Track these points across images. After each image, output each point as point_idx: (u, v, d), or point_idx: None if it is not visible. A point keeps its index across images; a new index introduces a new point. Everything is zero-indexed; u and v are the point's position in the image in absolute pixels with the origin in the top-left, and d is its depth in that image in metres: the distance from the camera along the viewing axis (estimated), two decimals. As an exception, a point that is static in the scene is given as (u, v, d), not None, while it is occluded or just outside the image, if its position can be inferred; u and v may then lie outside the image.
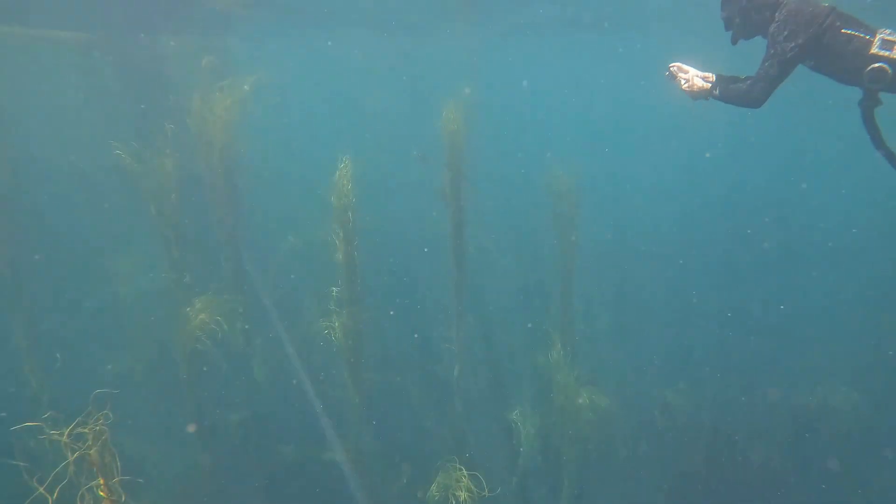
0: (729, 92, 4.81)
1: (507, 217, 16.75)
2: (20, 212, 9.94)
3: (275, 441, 10.84)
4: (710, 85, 4.91)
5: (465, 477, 7.84)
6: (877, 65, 4.43)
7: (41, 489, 3.98)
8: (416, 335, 12.98)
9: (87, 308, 12.63)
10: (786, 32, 4.57)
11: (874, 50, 4.47)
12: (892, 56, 4.39)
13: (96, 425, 4.21)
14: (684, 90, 5.04)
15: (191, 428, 9.74)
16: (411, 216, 15.58)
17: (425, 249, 13.70)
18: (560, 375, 10.69)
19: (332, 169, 10.17)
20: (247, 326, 10.87)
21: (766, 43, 4.80)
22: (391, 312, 12.60)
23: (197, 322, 9.66)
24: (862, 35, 4.52)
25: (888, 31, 4.50)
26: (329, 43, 20.87)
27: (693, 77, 4.99)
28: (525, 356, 12.81)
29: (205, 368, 10.08)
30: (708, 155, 27.21)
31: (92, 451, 4.20)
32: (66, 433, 4.08)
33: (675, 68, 5.08)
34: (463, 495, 7.58)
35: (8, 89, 13.49)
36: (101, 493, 4.33)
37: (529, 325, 13.34)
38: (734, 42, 5.11)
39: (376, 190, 14.15)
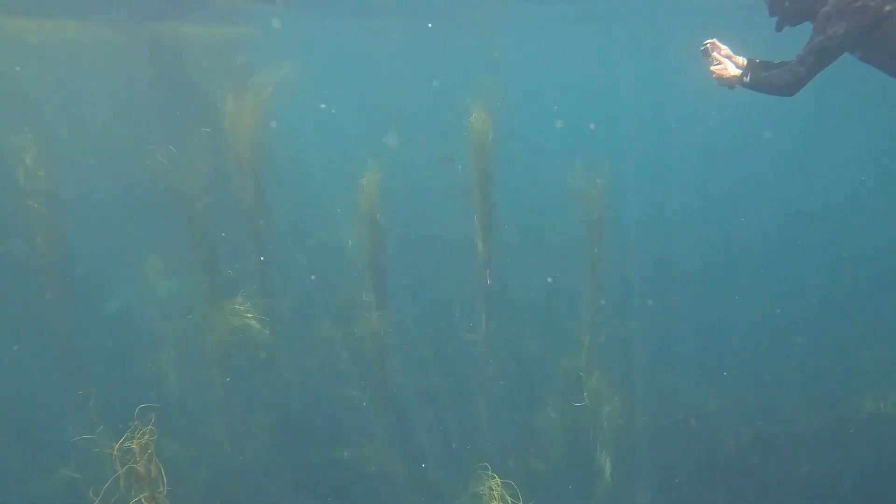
0: (761, 80, 4.47)
1: (533, 216, 16.65)
2: (56, 212, 9.96)
3: (304, 444, 10.83)
4: (740, 72, 4.60)
5: (498, 486, 7.74)
6: None
7: (97, 501, 3.99)
8: (442, 336, 12.93)
9: (119, 309, 12.71)
10: (839, 17, 4.17)
11: None
12: None
13: (143, 439, 4.21)
14: (713, 72, 4.71)
15: None
16: (437, 216, 15.55)
17: (451, 250, 13.68)
18: (589, 378, 10.59)
19: (358, 167, 10.13)
20: (276, 329, 10.86)
21: (797, 33, 4.61)
22: (417, 314, 12.56)
23: (227, 325, 9.69)
24: None
25: None
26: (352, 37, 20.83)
27: (725, 60, 4.69)
28: (553, 358, 12.73)
29: (235, 370, 10.12)
30: (767, 135, 26.27)
31: (139, 465, 4.20)
32: (116, 447, 4.08)
33: (711, 45, 4.76)
34: (497, 504, 7.46)
35: (41, 88, 13.61)
36: (148, 506, 4.33)
37: (557, 327, 13.28)
38: (779, 29, 4.75)
39: (402, 190, 14.15)
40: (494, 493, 7.81)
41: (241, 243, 11.07)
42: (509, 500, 7.63)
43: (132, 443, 4.16)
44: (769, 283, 17.54)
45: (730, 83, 4.67)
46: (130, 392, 11.02)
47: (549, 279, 15.36)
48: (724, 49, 4.78)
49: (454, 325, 13.15)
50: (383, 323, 10.07)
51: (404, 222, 14.25)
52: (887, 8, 4.10)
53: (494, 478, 7.96)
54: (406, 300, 12.83)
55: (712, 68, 4.71)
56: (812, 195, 25.16)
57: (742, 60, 4.74)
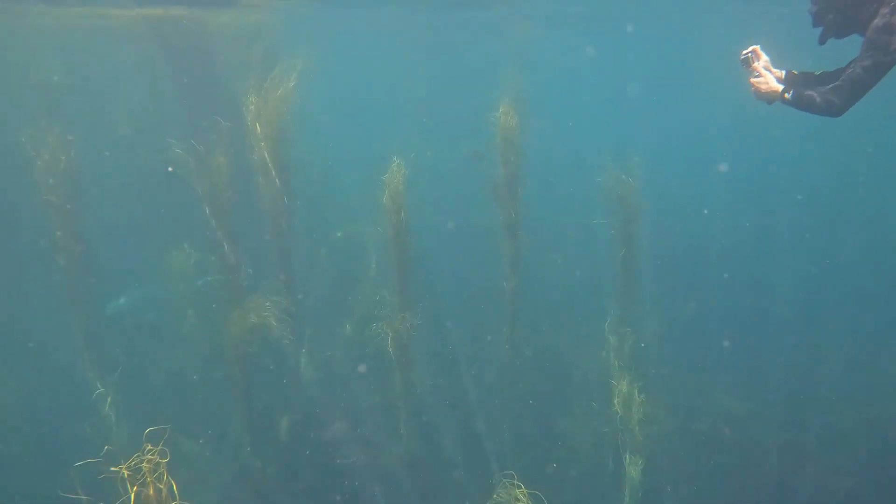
0: (804, 97, 4.09)
1: (561, 214, 16.34)
2: (76, 207, 9.87)
3: (324, 444, 10.66)
4: (781, 87, 4.22)
5: (524, 495, 7.48)
6: None
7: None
8: (468, 336, 12.68)
9: (121, 309, 12.66)
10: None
11: None
12: None
13: (153, 460, 4.02)
14: (752, 84, 4.33)
15: None
16: (463, 212, 15.30)
17: (477, 247, 13.45)
18: (618, 382, 10.28)
19: (382, 162, 9.87)
20: (297, 327, 10.70)
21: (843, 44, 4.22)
22: (442, 312, 12.33)
23: (247, 323, 9.53)
24: None
25: None
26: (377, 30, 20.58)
27: (766, 73, 4.31)
28: (580, 358, 12.44)
29: (255, 369, 9.96)
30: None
31: (150, 489, 4.00)
32: (124, 468, 3.89)
33: (752, 54, 4.38)
34: (523, 517, 7.20)
35: (64, 82, 13.56)
36: (159, 529, 4.14)
37: (583, 325, 12.97)
38: (822, 41, 4.40)
39: (428, 186, 13.89)
40: (521, 502, 7.58)
41: (263, 239, 10.88)
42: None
43: (143, 463, 3.95)
44: (797, 282, 17.06)
45: (769, 98, 4.30)
46: (149, 390, 10.99)
47: (576, 275, 15.08)
48: (765, 59, 4.41)
49: (479, 324, 12.91)
50: (407, 322, 9.81)
51: (430, 218, 14.01)
52: None
53: (520, 487, 7.73)
54: (431, 298, 12.58)
55: (752, 80, 4.35)
56: (839, 192, 24.46)
57: (781, 73, 4.38)
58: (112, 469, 3.93)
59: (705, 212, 20.50)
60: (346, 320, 12.07)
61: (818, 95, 4.04)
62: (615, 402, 10.03)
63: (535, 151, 12.68)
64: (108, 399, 8.70)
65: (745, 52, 4.41)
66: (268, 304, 9.85)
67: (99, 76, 17.11)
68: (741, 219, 20.81)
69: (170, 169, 9.22)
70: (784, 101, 4.22)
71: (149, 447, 4.00)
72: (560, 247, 15.69)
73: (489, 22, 19.78)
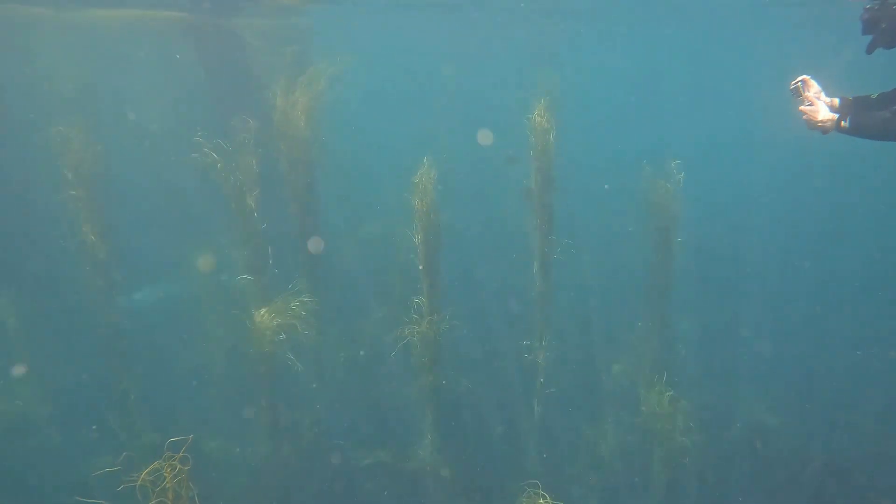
0: (863, 124, 3.92)
1: (594, 217, 16.12)
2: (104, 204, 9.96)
3: (345, 444, 10.64)
4: (835, 116, 4.06)
5: (549, 508, 7.32)
6: None
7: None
8: (494, 342, 12.53)
9: (145, 299, 12.76)
10: None
11: None
12: None
13: (174, 465, 3.96)
14: (803, 113, 4.15)
15: None
16: (494, 215, 15.16)
17: (507, 252, 13.31)
18: (647, 390, 10.07)
19: (412, 162, 9.77)
20: (321, 328, 10.67)
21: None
22: (470, 315, 12.19)
23: (272, 324, 9.49)
24: None
25: None
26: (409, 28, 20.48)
27: (818, 102, 4.14)
28: (609, 365, 12.24)
29: (278, 369, 9.95)
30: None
31: (169, 494, 3.95)
32: (143, 476, 3.84)
33: (802, 83, 4.23)
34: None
35: (94, 80, 13.69)
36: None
37: (613, 334, 12.78)
38: (870, 51, 4.22)
39: (457, 188, 13.79)
40: (546, 515, 7.41)
41: (290, 238, 10.87)
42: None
43: (164, 470, 3.90)
44: (836, 290, 16.58)
45: (823, 128, 4.12)
46: (172, 387, 11.03)
47: (608, 280, 14.84)
48: (816, 88, 4.23)
49: (507, 327, 12.75)
50: (434, 326, 9.71)
51: (460, 218, 13.91)
52: None
53: (545, 497, 7.57)
54: (459, 300, 12.46)
55: (802, 109, 4.18)
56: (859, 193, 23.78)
57: (834, 101, 4.22)
58: (132, 475, 3.87)
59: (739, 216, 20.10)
60: (373, 321, 12.02)
61: (879, 121, 3.86)
62: (644, 410, 9.85)
63: (569, 153, 12.50)
64: (131, 395, 8.75)
65: (794, 81, 4.26)
66: (294, 304, 9.82)
67: (129, 76, 17.28)
68: (778, 226, 20.32)
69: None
70: (841, 129, 4.04)
71: (169, 454, 3.94)
72: (592, 250, 15.45)
73: (524, 20, 19.59)
